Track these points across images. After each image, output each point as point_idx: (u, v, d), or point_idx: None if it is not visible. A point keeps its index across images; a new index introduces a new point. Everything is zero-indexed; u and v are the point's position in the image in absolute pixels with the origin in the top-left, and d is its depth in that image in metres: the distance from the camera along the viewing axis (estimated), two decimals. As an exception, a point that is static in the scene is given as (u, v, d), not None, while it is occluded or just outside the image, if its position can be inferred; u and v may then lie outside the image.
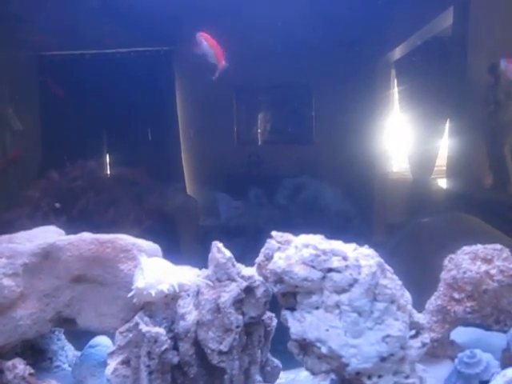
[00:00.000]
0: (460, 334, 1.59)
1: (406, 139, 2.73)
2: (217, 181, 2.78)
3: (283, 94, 2.80)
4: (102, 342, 1.44)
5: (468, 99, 2.46)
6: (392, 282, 1.17)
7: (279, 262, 1.15)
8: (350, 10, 2.31)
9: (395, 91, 2.72)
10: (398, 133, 2.72)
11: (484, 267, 1.39)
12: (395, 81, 2.72)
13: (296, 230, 1.68)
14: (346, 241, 1.76)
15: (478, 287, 1.39)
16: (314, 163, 2.73)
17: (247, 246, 1.78)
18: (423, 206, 2.70)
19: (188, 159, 2.90)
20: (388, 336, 1.12)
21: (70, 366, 1.46)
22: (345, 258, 1.12)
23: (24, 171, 2.88)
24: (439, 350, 1.47)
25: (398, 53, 2.69)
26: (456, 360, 1.32)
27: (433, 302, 1.48)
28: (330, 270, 1.12)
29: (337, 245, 1.16)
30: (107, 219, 2.88)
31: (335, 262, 1.11)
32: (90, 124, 2.79)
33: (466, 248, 1.46)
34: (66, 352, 1.49)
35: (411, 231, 2.58)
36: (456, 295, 1.44)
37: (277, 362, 1.46)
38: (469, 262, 1.42)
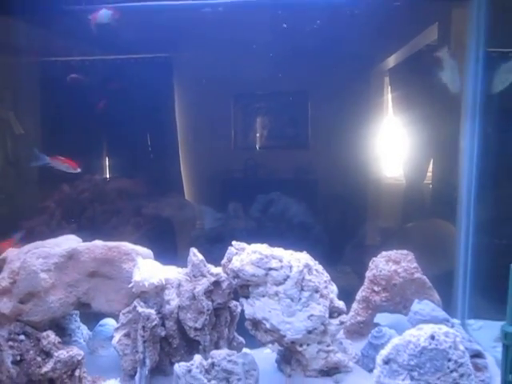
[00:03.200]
0: (384, 318, 2.06)
1: (399, 144, 2.76)
2: (214, 185, 2.92)
3: (280, 100, 2.93)
4: (109, 322, 1.91)
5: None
6: (317, 278, 1.64)
7: (236, 263, 1.61)
8: (346, 18, 2.41)
9: (389, 98, 2.81)
10: (391, 138, 2.77)
11: (394, 267, 1.85)
12: (389, 88, 2.82)
13: (267, 237, 2.10)
14: (307, 246, 2.25)
15: (390, 282, 1.86)
16: (309, 168, 2.88)
17: (225, 250, 2.17)
18: (415, 210, 2.79)
19: (186, 164, 3.02)
20: (312, 315, 1.59)
21: (84, 340, 1.93)
22: (280, 261, 1.59)
23: (23, 174, 3.09)
24: (364, 330, 1.93)
25: (391, 61, 2.79)
26: (369, 335, 1.79)
27: (359, 294, 1.95)
28: (271, 269, 1.59)
29: (277, 251, 1.63)
30: (110, 226, 3.24)
31: (274, 263, 1.58)
32: (89, 128, 2.94)
33: (384, 253, 1.92)
34: (81, 330, 1.96)
35: (398, 235, 2.78)
36: (375, 288, 1.90)
37: (241, 339, 1.92)
38: (384, 263, 1.88)
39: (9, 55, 2.78)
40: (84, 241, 1.92)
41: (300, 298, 1.58)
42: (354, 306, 1.95)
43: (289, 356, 1.69)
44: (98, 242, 1.74)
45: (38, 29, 2.62)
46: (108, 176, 3.23)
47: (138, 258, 1.69)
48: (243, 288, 1.67)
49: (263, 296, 1.62)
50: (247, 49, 2.56)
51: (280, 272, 1.57)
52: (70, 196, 3.11)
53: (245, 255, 1.61)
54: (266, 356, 1.89)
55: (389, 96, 2.80)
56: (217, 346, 1.79)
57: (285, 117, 2.94)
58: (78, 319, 1.97)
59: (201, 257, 1.71)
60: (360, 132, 2.64)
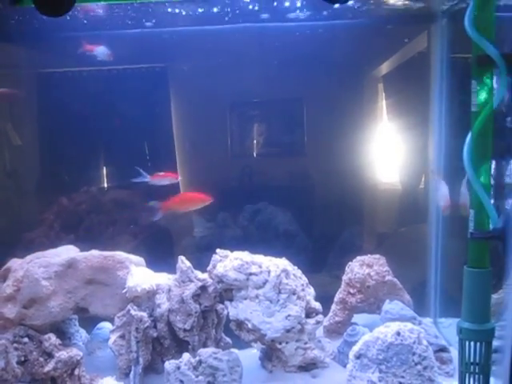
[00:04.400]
0: (361, 318, 2.22)
1: (395, 150, 2.76)
2: (211, 193, 2.81)
3: (275, 108, 2.95)
4: (106, 326, 2.07)
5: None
6: (294, 281, 1.80)
7: (219, 269, 1.78)
8: (340, 25, 2.40)
9: (383, 104, 2.82)
10: (387, 144, 2.77)
11: (367, 270, 2.02)
12: (383, 94, 2.84)
13: (254, 245, 2.23)
14: (291, 252, 2.40)
15: (364, 284, 2.02)
16: (305, 175, 2.90)
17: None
18: (410, 215, 2.76)
19: (183, 173, 2.99)
20: (289, 315, 1.75)
21: (82, 343, 2.08)
22: (260, 266, 1.75)
23: (22, 185, 3.11)
24: (342, 329, 2.08)
25: (385, 68, 2.80)
26: (345, 333, 1.94)
27: (337, 296, 2.11)
28: (251, 274, 1.75)
29: (257, 257, 1.80)
30: (107, 236, 3.36)
31: (254, 269, 1.74)
32: (87, 138, 2.92)
33: (358, 257, 2.09)
34: (80, 334, 2.11)
35: (392, 239, 2.80)
36: (351, 290, 2.06)
37: (228, 339, 2.08)
38: (358, 267, 2.05)
39: (6, 67, 2.82)
40: (82, 250, 2.07)
41: (278, 300, 1.74)
42: (333, 307, 2.11)
43: (270, 353, 1.85)
44: (95, 252, 1.90)
45: (35, 43, 2.65)
46: (106, 186, 3.25)
47: (131, 266, 1.85)
48: (227, 292, 1.82)
49: (245, 299, 1.78)
50: (243, 57, 2.62)
51: (259, 277, 1.73)
52: (68, 208, 3.26)
53: (228, 262, 1.77)
54: (251, 354, 2.04)
55: (383, 102, 2.85)
56: (205, 346, 1.94)
57: (281, 124, 2.99)
58: (77, 323, 2.13)
59: (188, 264, 1.87)
60: (355, 138, 2.70)
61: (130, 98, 2.86)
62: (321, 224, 2.96)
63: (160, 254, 2.79)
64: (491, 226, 1.52)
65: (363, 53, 2.68)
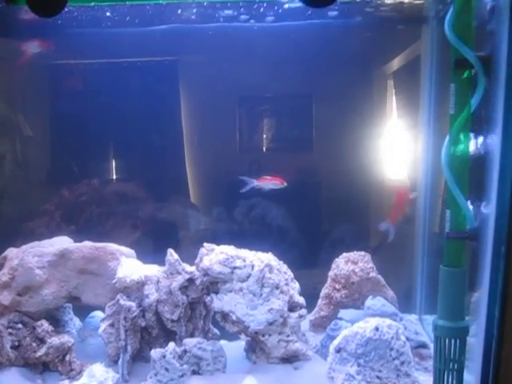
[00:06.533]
0: (347, 314, 2.27)
1: (403, 147, 2.73)
2: (219, 188, 2.95)
3: (284, 103, 2.98)
4: (98, 314, 2.15)
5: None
6: (277, 276, 1.85)
7: (205, 262, 1.83)
8: (349, 21, 2.37)
9: (393, 100, 2.80)
10: (395, 141, 2.75)
11: (352, 267, 2.06)
12: (393, 91, 2.82)
13: (248, 240, 2.26)
14: (284, 248, 2.44)
15: (349, 280, 2.07)
16: (313, 170, 2.94)
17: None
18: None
19: (191, 167, 3.07)
20: (271, 309, 1.81)
21: (76, 331, 2.16)
22: (244, 260, 1.81)
23: (32, 176, 3.19)
24: (327, 324, 2.13)
25: (395, 64, 2.78)
26: (328, 328, 1.99)
27: (323, 291, 2.16)
28: (235, 267, 1.81)
29: (242, 252, 1.85)
30: (107, 228, 3.44)
31: (238, 263, 1.80)
32: (96, 131, 2.98)
33: (344, 254, 2.13)
34: (74, 322, 2.19)
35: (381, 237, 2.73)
36: (336, 286, 2.11)
37: (216, 330, 2.13)
38: (343, 263, 2.09)
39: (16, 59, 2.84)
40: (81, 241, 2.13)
41: (261, 294, 1.80)
42: (318, 302, 2.16)
43: (254, 345, 1.90)
44: (87, 243, 1.97)
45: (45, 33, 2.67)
46: (115, 178, 3.30)
47: (122, 257, 1.91)
48: (213, 284, 1.88)
49: (230, 291, 1.83)
50: (253, 52, 2.64)
51: (243, 270, 1.79)
52: (69, 199, 3.34)
53: (213, 255, 1.83)
54: (238, 345, 2.10)
55: (393, 99, 2.84)
56: (192, 337, 2.00)
57: (289, 119, 3.02)
58: (71, 312, 2.21)
59: (176, 256, 1.93)
60: (364, 134, 2.71)
61: (140, 92, 2.92)
62: (327, 219, 3.01)
63: (158, 246, 2.85)
64: (467, 226, 1.56)
65: (372, 50, 2.69)
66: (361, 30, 2.46)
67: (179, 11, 2.19)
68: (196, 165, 3.06)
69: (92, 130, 3.01)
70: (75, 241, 2.18)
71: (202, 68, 2.88)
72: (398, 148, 2.72)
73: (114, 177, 3.31)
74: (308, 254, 2.74)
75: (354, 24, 2.38)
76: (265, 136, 3.00)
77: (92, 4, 1.85)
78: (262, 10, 2.21)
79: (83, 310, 2.24)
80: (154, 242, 3.04)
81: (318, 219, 3.00)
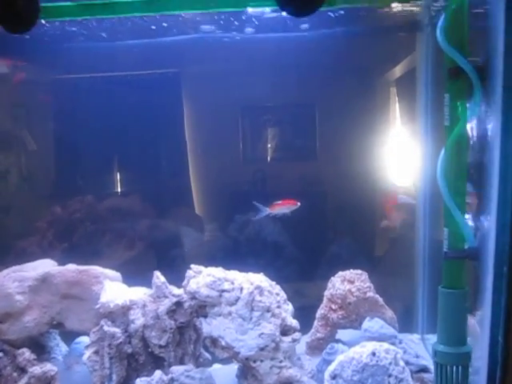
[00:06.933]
0: (346, 335, 2.16)
1: (407, 154, 2.68)
2: (223, 198, 2.91)
3: (288, 112, 2.94)
4: (84, 340, 2.05)
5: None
6: (268, 298, 1.75)
7: (192, 285, 1.75)
8: (351, 27, 2.35)
9: (396, 108, 2.78)
10: (399, 148, 2.73)
11: (348, 286, 1.96)
12: (396, 98, 2.80)
13: (243, 257, 2.13)
14: (279, 264, 2.33)
15: (345, 300, 1.97)
16: (317, 179, 2.89)
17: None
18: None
19: (195, 177, 3.04)
20: (262, 333, 1.71)
21: (62, 357, 2.07)
22: (232, 283, 1.72)
23: (37, 190, 3.15)
24: (324, 346, 2.02)
25: (398, 71, 2.76)
26: (324, 351, 1.89)
27: (319, 312, 2.06)
28: (223, 290, 1.72)
29: (230, 273, 1.76)
30: (103, 245, 3.37)
31: (226, 285, 1.71)
32: (100, 143, 2.94)
33: (340, 272, 2.03)
34: (60, 348, 2.10)
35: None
36: (333, 306, 2.01)
37: (207, 355, 2.04)
38: (340, 282, 1.99)
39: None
40: (75, 261, 2.06)
41: (251, 318, 1.70)
42: (315, 323, 2.06)
43: (246, 371, 1.81)
44: (70, 266, 1.90)
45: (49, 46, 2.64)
46: (118, 191, 3.28)
47: (105, 281, 1.83)
48: (202, 308, 1.79)
49: (219, 315, 1.74)
50: (255, 61, 2.62)
51: (231, 293, 1.70)
52: (62, 217, 3.28)
53: (201, 278, 1.74)
54: (231, 371, 2.00)
55: (396, 106, 2.81)
56: (182, 362, 1.91)
57: (293, 129, 2.99)
58: (58, 337, 2.12)
59: (163, 279, 1.84)
60: (368, 142, 2.67)
61: (144, 104, 2.87)
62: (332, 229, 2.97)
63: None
64: (466, 245, 1.47)
65: (373, 59, 2.67)
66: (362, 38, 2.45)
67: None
68: (200, 175, 3.03)
69: (93, 144, 2.97)
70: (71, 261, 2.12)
71: (203, 79, 2.87)
72: (402, 156, 2.67)
73: (118, 190, 3.28)
74: (315, 267, 2.67)
75: (355, 32, 2.36)
76: (269, 145, 2.98)
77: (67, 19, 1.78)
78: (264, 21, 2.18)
79: (71, 335, 2.15)
80: (154, 258, 2.98)
81: (323, 228, 2.95)
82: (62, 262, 2.16)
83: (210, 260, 1.96)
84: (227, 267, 1.89)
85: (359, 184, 2.69)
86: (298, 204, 2.36)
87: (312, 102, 2.89)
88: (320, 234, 2.95)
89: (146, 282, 1.98)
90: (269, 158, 2.97)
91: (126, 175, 3.22)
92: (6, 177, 3.06)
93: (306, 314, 2.18)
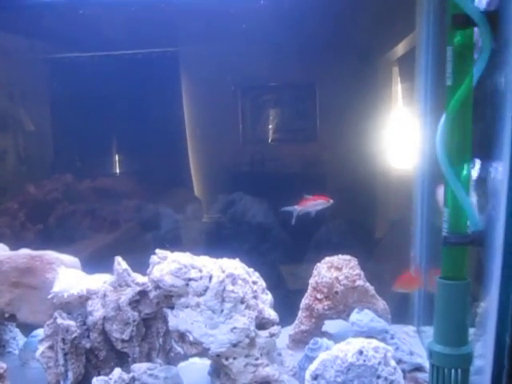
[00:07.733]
0: (335, 326, 1.96)
1: (409, 135, 2.56)
2: (222, 179, 2.86)
3: (287, 93, 2.88)
4: (41, 333, 1.84)
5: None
6: (242, 288, 1.54)
7: (155, 272, 1.53)
8: (353, 7, 2.36)
9: (399, 88, 2.69)
10: (401, 129, 2.63)
11: (335, 274, 1.75)
12: (398, 78, 2.70)
13: (226, 240, 1.95)
14: (266, 248, 2.12)
15: (331, 289, 1.76)
16: (317, 160, 2.83)
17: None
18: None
19: (194, 159, 2.98)
20: (235, 328, 1.50)
21: (19, 351, 1.88)
22: (200, 271, 1.50)
23: (35, 171, 3.12)
24: (308, 339, 1.82)
25: (400, 50, 2.66)
26: (306, 346, 1.69)
27: (303, 302, 1.85)
28: (190, 279, 1.50)
29: (199, 260, 1.55)
30: (84, 226, 3.21)
31: (193, 273, 1.49)
32: (98, 125, 2.90)
33: (327, 258, 1.82)
34: (17, 341, 1.91)
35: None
36: (318, 296, 1.80)
37: (179, 349, 1.84)
38: (326, 269, 1.78)
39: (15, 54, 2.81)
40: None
41: (222, 310, 1.49)
42: (299, 314, 1.85)
43: (218, 369, 1.61)
44: (22, 251, 1.68)
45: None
46: (118, 172, 3.22)
47: (60, 268, 1.62)
48: (168, 298, 1.58)
49: (186, 307, 1.53)
50: (254, 40, 2.54)
51: (199, 282, 1.48)
52: (36, 196, 3.09)
53: (165, 264, 1.53)
54: (204, 367, 1.80)
55: (398, 86, 2.69)
56: (149, 358, 1.71)
57: (293, 109, 2.91)
58: (15, 329, 1.92)
59: (125, 266, 1.63)
60: (369, 124, 2.58)
61: (141, 84, 2.80)
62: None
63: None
64: (470, 229, 1.24)
65: (376, 36, 2.55)
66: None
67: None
68: (199, 157, 2.97)
69: (91, 125, 2.91)
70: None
71: (201, 58, 2.80)
72: (405, 137, 2.52)
73: (117, 171, 3.23)
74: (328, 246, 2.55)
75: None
76: (267, 127, 2.90)
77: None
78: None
79: (31, 327, 1.95)
80: (139, 243, 2.88)
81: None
82: (35, 246, 2.00)
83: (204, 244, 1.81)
84: (211, 251, 1.70)
85: (360, 167, 2.59)
86: (331, 201, 2.10)
87: (312, 81, 2.82)
88: (320, 217, 2.81)
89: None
90: (269, 140, 2.90)
91: (124, 156, 3.17)
92: (4, 157, 3.01)
93: (293, 302, 2.01)
